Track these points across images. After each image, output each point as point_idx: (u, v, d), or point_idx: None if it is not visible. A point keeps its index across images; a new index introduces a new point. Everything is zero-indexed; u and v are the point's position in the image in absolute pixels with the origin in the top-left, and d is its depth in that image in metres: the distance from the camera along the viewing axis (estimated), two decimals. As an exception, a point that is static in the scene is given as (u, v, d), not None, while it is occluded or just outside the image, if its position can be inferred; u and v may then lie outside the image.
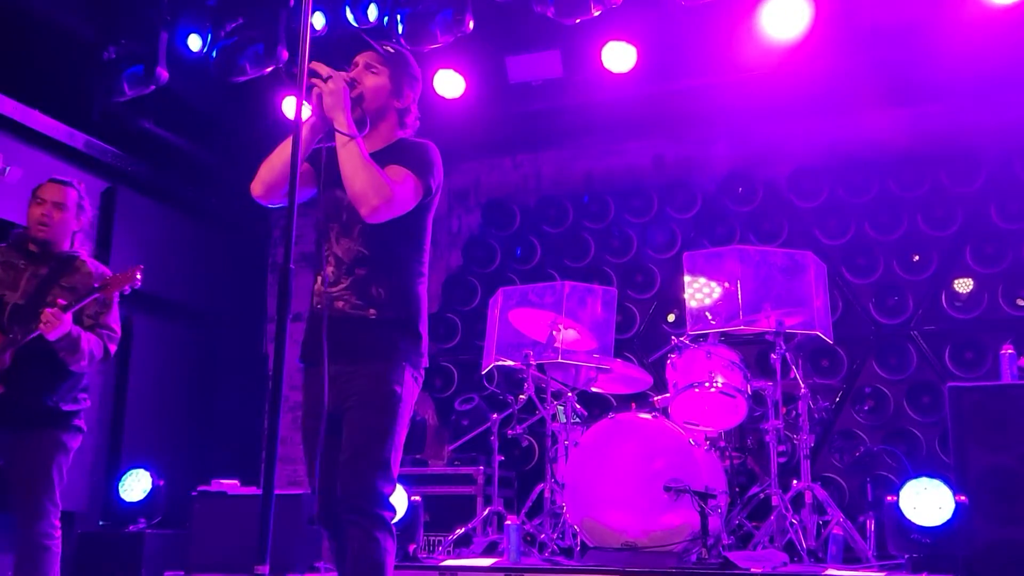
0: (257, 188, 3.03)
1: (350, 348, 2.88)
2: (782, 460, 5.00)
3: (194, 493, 5.70)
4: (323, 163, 2.96)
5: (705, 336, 5.22)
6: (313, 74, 2.90)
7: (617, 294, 6.04)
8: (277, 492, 2.70)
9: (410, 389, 2.95)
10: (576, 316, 5.60)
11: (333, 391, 2.82)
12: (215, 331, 7.44)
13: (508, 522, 5.00)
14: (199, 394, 7.25)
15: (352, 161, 2.87)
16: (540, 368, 5.51)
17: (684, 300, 5.46)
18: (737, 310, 5.17)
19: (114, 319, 4.02)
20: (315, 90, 2.92)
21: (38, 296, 3.85)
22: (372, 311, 2.93)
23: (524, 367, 5.40)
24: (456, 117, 6.62)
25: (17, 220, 5.84)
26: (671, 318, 6.95)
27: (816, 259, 5.43)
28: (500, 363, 5.59)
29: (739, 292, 5.19)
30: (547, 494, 5.39)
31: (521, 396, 5.48)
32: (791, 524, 4.73)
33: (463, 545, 5.42)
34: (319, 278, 2.98)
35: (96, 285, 3.85)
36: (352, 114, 2.96)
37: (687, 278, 5.43)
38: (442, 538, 5.47)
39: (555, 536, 5.20)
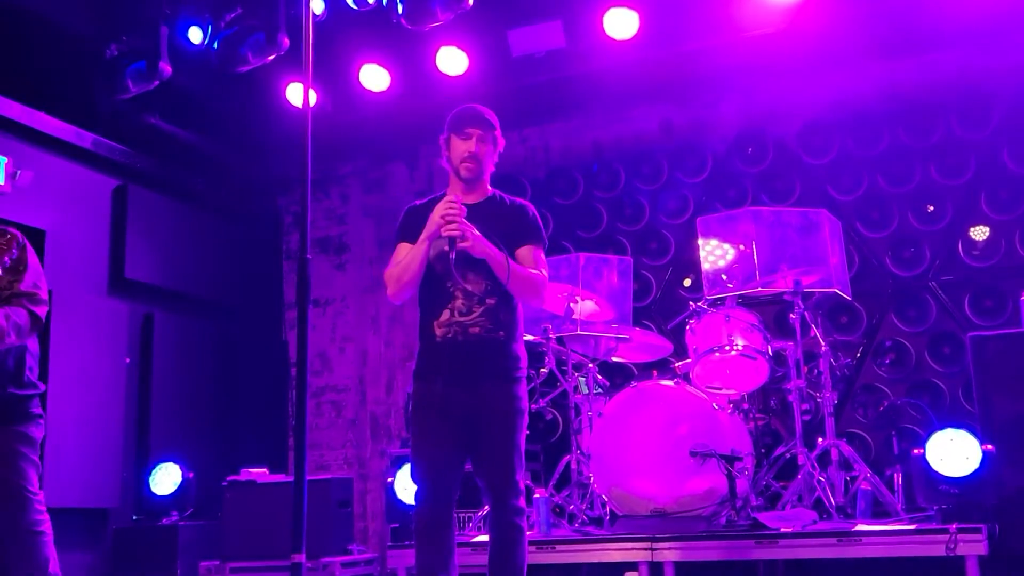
0: (395, 299, 3.56)
1: (490, 368, 3.42)
2: (806, 419, 5.00)
3: (224, 483, 5.75)
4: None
5: (723, 300, 5.22)
6: (449, 240, 3.33)
7: (632, 262, 6.03)
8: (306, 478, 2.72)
9: (526, 397, 3.52)
10: (593, 287, 5.60)
11: (472, 403, 3.36)
12: (234, 322, 7.48)
13: (536, 495, 5.03)
14: (222, 385, 7.30)
15: (521, 284, 3.44)
16: (560, 341, 5.52)
17: (700, 265, 5.45)
18: (753, 272, 5.15)
19: (30, 283, 3.75)
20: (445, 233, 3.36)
21: None
22: (501, 332, 3.46)
23: (544, 341, 5.41)
24: (460, 94, 6.54)
25: (33, 224, 5.89)
26: (687, 283, 6.94)
27: (830, 216, 5.40)
28: (519, 337, 5.59)
29: (755, 254, 5.17)
30: (574, 465, 5.41)
31: (542, 370, 5.49)
32: (818, 482, 4.74)
33: (493, 520, 5.44)
34: (447, 311, 3.44)
35: None
36: (471, 184, 3.55)
37: (701, 242, 5.41)
38: (472, 514, 5.50)
39: (584, 507, 5.23)
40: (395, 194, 7.87)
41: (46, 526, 3.75)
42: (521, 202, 3.63)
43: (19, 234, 3.68)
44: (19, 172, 5.23)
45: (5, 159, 5.13)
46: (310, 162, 2.58)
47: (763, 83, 6.77)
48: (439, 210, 3.38)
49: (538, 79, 6.58)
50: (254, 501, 5.64)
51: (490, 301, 3.45)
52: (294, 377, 7.64)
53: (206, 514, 6.09)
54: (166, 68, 6.04)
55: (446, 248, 3.34)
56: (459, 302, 3.45)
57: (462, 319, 3.43)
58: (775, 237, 5.27)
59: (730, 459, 4.57)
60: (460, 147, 3.55)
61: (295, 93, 6.57)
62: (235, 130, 7.15)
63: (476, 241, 3.36)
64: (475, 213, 3.45)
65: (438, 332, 3.45)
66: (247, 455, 6.55)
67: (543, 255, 3.57)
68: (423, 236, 3.41)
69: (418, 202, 3.63)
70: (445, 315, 3.45)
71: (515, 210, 3.59)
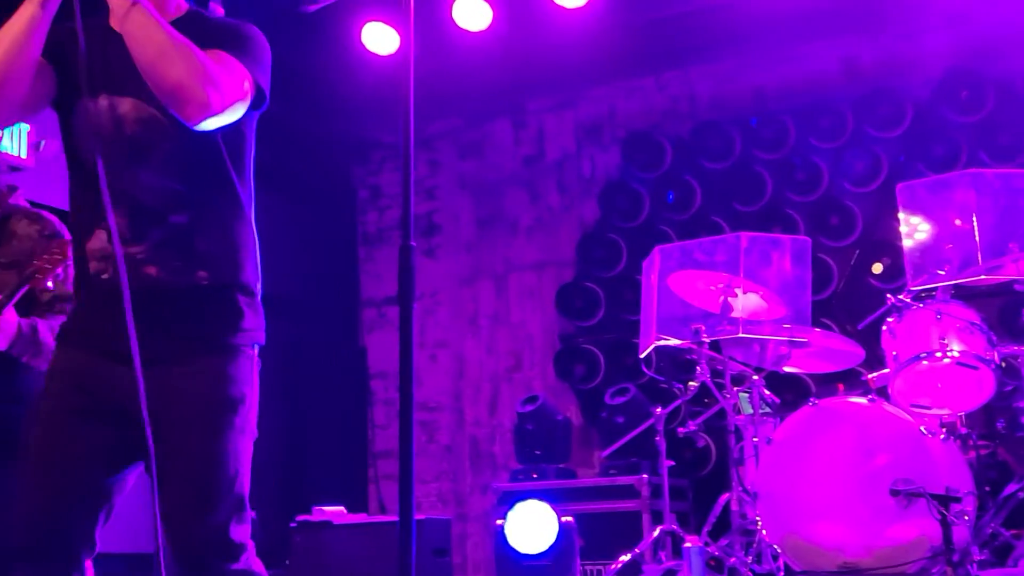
0: None
1: (181, 335, 2.60)
2: (1046, 447, 4.91)
3: (293, 524, 5.91)
4: (82, 54, 2.48)
5: (932, 291, 5.15)
6: None
7: (810, 243, 5.98)
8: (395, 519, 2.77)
9: (255, 382, 2.79)
10: (758, 276, 5.58)
11: (150, 393, 2.42)
12: (296, 324, 7.65)
13: (687, 544, 5.05)
14: (283, 403, 7.48)
15: (150, 36, 2.44)
16: (715, 346, 5.51)
17: (898, 245, 5.38)
18: (974, 254, 5.06)
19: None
20: None
21: None
22: (202, 273, 2.61)
23: (694, 346, 5.40)
24: (578, 30, 6.63)
25: (59, 205, 6.15)
26: (878, 270, 6.87)
27: (1078, 178, 5.27)
28: (662, 342, 5.60)
29: (976, 230, 5.07)
30: (734, 506, 5.40)
31: (692, 383, 5.50)
32: (1065, 530, 4.65)
33: None
34: (101, 233, 2.58)
35: (26, 274, 3.48)
36: None
37: (902, 216, 5.36)
38: (602, 567, 5.56)
39: (749, 560, 5.21)
40: (497, 159, 7.98)
41: None
42: (241, 22, 2.73)
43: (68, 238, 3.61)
44: (43, 142, 5.50)
45: (28, 126, 5.38)
46: (412, 121, 2.62)
47: (982, 3, 6.62)
48: None
49: (680, 8, 6.58)
50: (329, 546, 5.79)
51: (177, 218, 2.60)
52: (373, 392, 7.83)
53: (271, 562, 6.26)
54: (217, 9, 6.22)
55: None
56: (121, 219, 2.53)
57: (128, 249, 2.52)
58: (1002, 207, 5.17)
59: (944, 499, 4.52)
60: None
61: (373, 36, 6.71)
62: (295, 82, 7.32)
63: None
64: None
65: (92, 266, 2.61)
66: (317, 489, 6.73)
67: (239, 68, 2.57)
68: None
69: None
70: (99, 239, 2.60)
71: (226, 25, 2.70)
